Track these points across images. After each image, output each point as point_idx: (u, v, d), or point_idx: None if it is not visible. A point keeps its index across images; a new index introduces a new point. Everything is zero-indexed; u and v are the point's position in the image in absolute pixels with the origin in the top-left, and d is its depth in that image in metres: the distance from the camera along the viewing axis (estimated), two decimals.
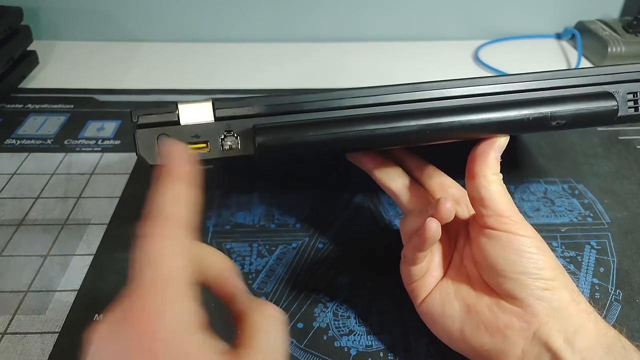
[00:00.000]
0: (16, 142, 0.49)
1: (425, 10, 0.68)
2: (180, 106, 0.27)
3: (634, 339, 0.26)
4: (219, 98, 0.28)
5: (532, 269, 0.26)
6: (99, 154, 0.47)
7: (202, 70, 0.62)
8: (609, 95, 0.28)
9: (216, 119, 0.27)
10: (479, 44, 0.68)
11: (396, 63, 0.64)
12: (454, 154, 0.30)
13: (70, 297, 0.34)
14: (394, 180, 0.32)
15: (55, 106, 0.54)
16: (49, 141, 0.49)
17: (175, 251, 0.20)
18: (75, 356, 0.31)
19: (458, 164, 0.30)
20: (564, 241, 0.39)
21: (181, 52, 0.66)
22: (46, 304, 0.34)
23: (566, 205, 0.42)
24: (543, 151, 0.48)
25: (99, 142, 0.49)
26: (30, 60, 0.60)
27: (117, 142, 0.49)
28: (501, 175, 0.28)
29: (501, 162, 0.29)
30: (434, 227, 0.26)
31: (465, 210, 0.31)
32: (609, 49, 0.61)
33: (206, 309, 0.20)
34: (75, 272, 0.36)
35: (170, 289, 0.19)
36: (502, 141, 0.28)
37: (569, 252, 0.38)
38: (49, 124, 0.51)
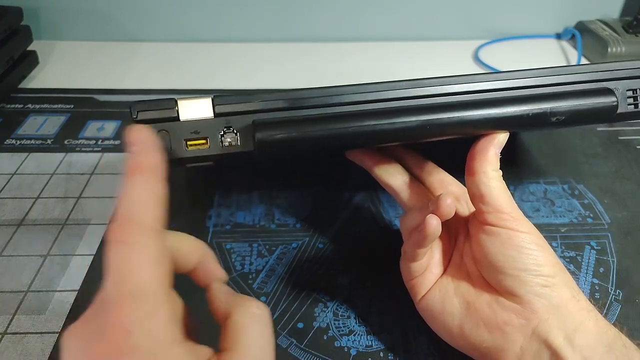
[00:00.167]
0: (16, 142, 0.49)
1: (425, 10, 0.68)
2: (179, 102, 0.27)
3: (634, 339, 0.26)
4: (219, 94, 0.28)
5: (532, 266, 0.26)
6: (99, 154, 0.47)
7: (202, 70, 0.62)
8: (608, 92, 0.28)
9: (216, 115, 0.27)
10: (479, 44, 0.68)
11: (396, 63, 0.64)
12: (453, 151, 0.30)
13: (70, 297, 0.34)
14: (394, 177, 0.32)
15: (55, 106, 0.54)
16: (49, 141, 0.49)
17: (145, 259, 0.18)
18: None
19: (458, 161, 0.30)
20: (564, 241, 0.39)
21: (181, 52, 0.66)
22: (46, 304, 0.34)
23: (566, 205, 0.42)
24: (543, 151, 0.48)
25: (99, 142, 0.49)
26: (30, 60, 0.60)
27: (117, 142, 0.49)
28: (501, 172, 0.28)
29: (501, 162, 0.29)
30: (434, 224, 0.26)
31: (465, 208, 0.31)
32: (609, 49, 0.61)
33: (193, 305, 0.19)
34: (75, 272, 0.36)
35: (141, 304, 0.18)
36: (501, 137, 0.28)
37: (569, 252, 0.38)
38: (49, 124, 0.51)
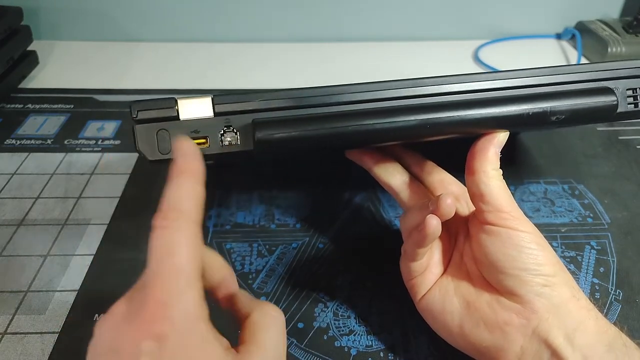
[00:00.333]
0: (16, 142, 0.49)
1: (425, 10, 0.68)
2: (179, 101, 0.27)
3: (635, 338, 0.26)
4: (219, 94, 0.28)
5: (532, 265, 0.26)
6: (99, 154, 0.47)
7: (202, 70, 0.62)
8: (608, 91, 0.28)
9: (215, 114, 0.27)
10: (479, 44, 0.68)
11: (396, 63, 0.64)
12: (453, 150, 0.30)
13: (70, 297, 0.34)
14: (394, 177, 0.32)
15: (55, 106, 0.54)
16: (49, 141, 0.49)
17: (186, 242, 0.20)
18: (75, 356, 0.31)
19: (457, 160, 0.30)
20: (564, 241, 0.39)
21: (181, 52, 0.66)
22: (46, 304, 0.34)
23: (566, 205, 0.42)
24: (543, 151, 0.48)
25: (99, 142, 0.49)
26: (30, 60, 0.60)
27: (117, 142, 0.49)
28: (501, 171, 0.28)
29: (501, 162, 0.29)
30: (434, 224, 0.26)
31: (465, 208, 0.31)
32: (609, 49, 0.61)
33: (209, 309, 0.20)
34: (75, 272, 0.36)
35: (178, 280, 0.20)
36: (501, 137, 0.28)
37: (569, 252, 0.38)
38: (49, 124, 0.51)
